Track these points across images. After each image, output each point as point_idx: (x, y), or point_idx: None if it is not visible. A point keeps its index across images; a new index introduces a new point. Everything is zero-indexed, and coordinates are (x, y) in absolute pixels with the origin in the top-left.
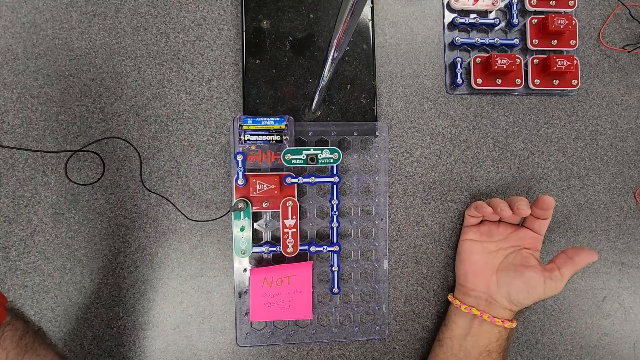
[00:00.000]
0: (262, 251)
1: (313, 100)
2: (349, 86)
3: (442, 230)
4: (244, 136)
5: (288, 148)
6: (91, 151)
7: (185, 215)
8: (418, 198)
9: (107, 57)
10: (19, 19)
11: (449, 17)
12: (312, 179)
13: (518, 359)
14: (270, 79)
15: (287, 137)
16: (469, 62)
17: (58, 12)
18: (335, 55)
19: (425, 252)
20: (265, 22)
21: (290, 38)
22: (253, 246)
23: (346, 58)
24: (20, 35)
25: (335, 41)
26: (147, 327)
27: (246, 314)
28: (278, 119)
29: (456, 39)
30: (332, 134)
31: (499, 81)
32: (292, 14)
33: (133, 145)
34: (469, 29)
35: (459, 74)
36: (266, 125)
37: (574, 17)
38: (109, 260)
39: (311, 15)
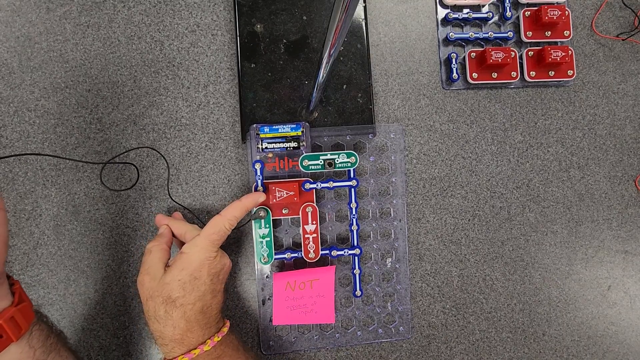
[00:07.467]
0: (284, 257)
1: (310, 101)
2: (345, 86)
3: (444, 226)
4: (262, 144)
5: (305, 154)
6: (128, 163)
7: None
8: (419, 195)
9: (103, 67)
10: (13, 33)
11: (442, 13)
12: (331, 184)
13: (526, 351)
14: (266, 82)
15: (304, 144)
16: (464, 57)
17: (52, 24)
18: (330, 55)
19: (428, 249)
20: (258, 26)
21: (285, 41)
22: (275, 253)
23: (341, 58)
24: (14, 49)
25: (329, 42)
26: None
27: (270, 320)
28: (294, 125)
29: (450, 34)
30: (348, 137)
31: (494, 75)
32: (285, 16)
33: (163, 156)
34: (462, 24)
35: (454, 69)
36: (283, 132)
37: (566, 8)
38: (113, 269)
39: (304, 17)
